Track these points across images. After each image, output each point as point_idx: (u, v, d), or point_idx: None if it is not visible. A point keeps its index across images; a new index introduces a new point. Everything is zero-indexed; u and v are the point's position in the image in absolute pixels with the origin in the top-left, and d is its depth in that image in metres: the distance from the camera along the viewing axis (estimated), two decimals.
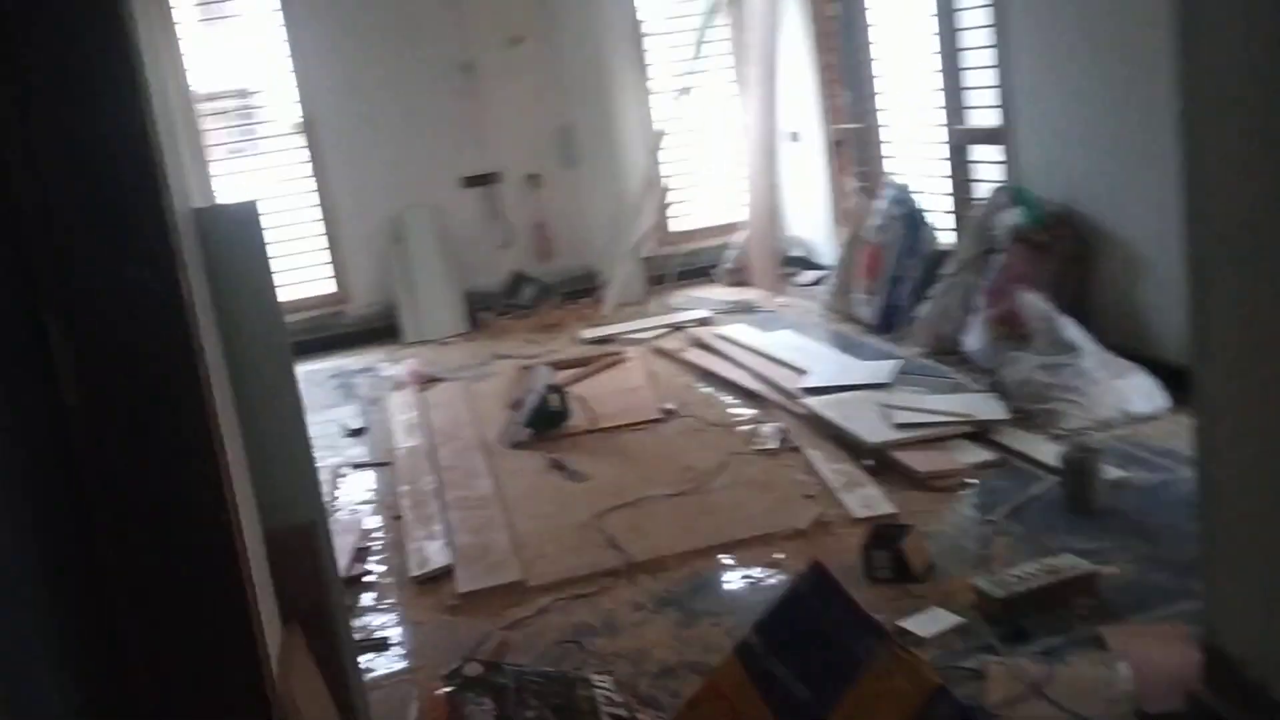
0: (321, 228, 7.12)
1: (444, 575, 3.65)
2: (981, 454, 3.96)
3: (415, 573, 3.68)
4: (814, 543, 3.52)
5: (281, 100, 7.04)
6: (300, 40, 6.86)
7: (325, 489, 4.53)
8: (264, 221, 1.85)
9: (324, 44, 6.87)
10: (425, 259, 7.09)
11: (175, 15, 6.62)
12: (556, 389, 4.91)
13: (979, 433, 4.09)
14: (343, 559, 3.80)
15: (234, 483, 1.78)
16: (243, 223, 1.82)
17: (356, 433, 5.37)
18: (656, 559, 3.55)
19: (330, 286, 7.21)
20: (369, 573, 3.79)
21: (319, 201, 7.08)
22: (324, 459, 5.03)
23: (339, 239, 7.13)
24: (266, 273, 1.86)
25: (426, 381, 5.95)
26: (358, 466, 4.90)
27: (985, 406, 4.27)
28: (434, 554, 3.79)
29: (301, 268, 7.14)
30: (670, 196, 7.40)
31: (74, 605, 1.46)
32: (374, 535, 4.10)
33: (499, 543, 3.80)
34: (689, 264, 7.45)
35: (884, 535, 3.32)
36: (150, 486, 1.44)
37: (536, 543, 3.80)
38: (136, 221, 1.38)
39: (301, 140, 7.01)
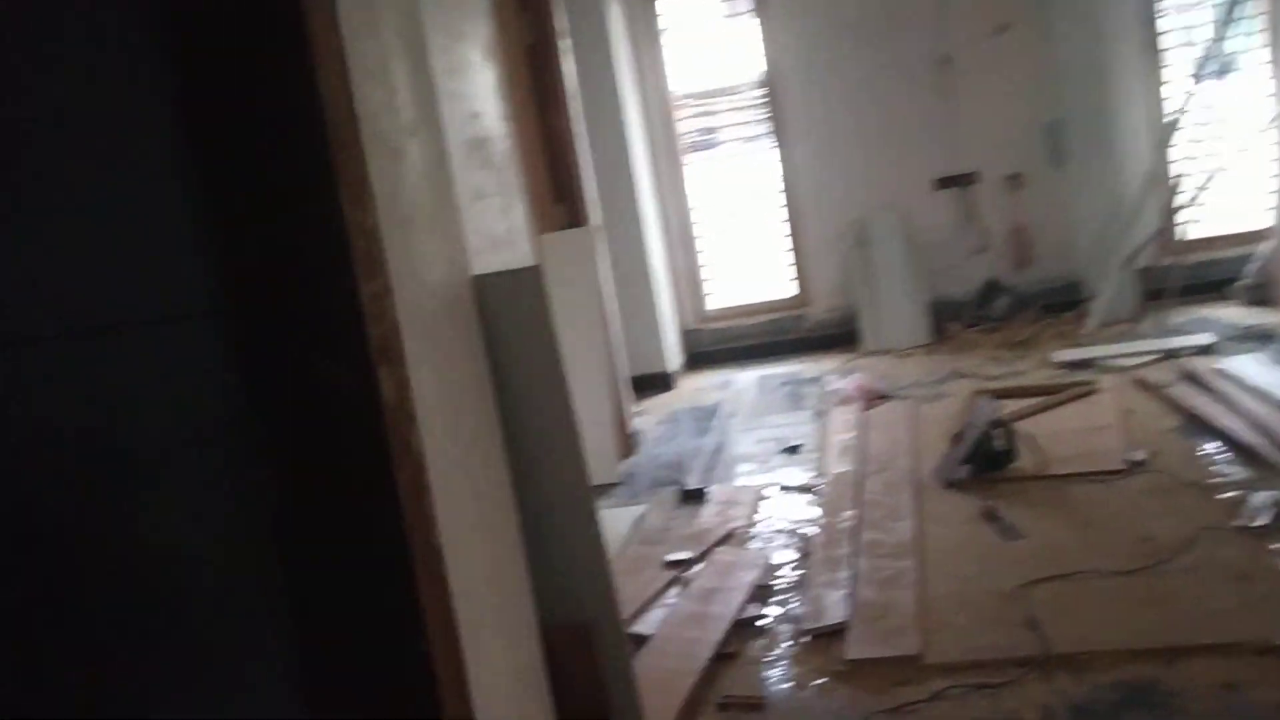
0: (786, 229, 7.01)
1: (839, 631, 3.35)
2: None
3: (808, 625, 3.41)
4: None
5: (753, 100, 7.01)
6: (774, 38, 6.78)
7: (745, 512, 4.40)
8: (546, 288, 1.67)
9: (798, 41, 6.74)
10: (890, 264, 6.74)
11: (661, 23, 6.84)
12: (1002, 425, 4.37)
13: None
14: (739, 597, 3.63)
15: (507, 576, 1.64)
16: (524, 290, 1.65)
17: (791, 450, 5.18)
18: (1082, 653, 2.99)
19: (792, 289, 7.08)
20: (764, 616, 3.57)
21: (785, 202, 6.97)
22: (753, 476, 4.92)
23: (803, 241, 6.99)
24: (551, 345, 1.68)
25: (873, 399, 5.62)
26: (784, 489, 4.70)
27: None
28: (832, 606, 3.49)
29: (765, 269, 7.10)
30: (1180, 198, 6.40)
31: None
32: (780, 572, 3.87)
33: (903, 603, 3.41)
34: (1197, 278, 6.40)
35: None
36: (342, 604, 1.31)
37: (946, 609, 3.37)
38: (326, 311, 1.24)
39: (771, 139, 6.94)
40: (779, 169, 6.93)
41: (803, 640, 3.36)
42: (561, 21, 5.44)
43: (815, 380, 6.32)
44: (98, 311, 1.37)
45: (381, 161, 1.39)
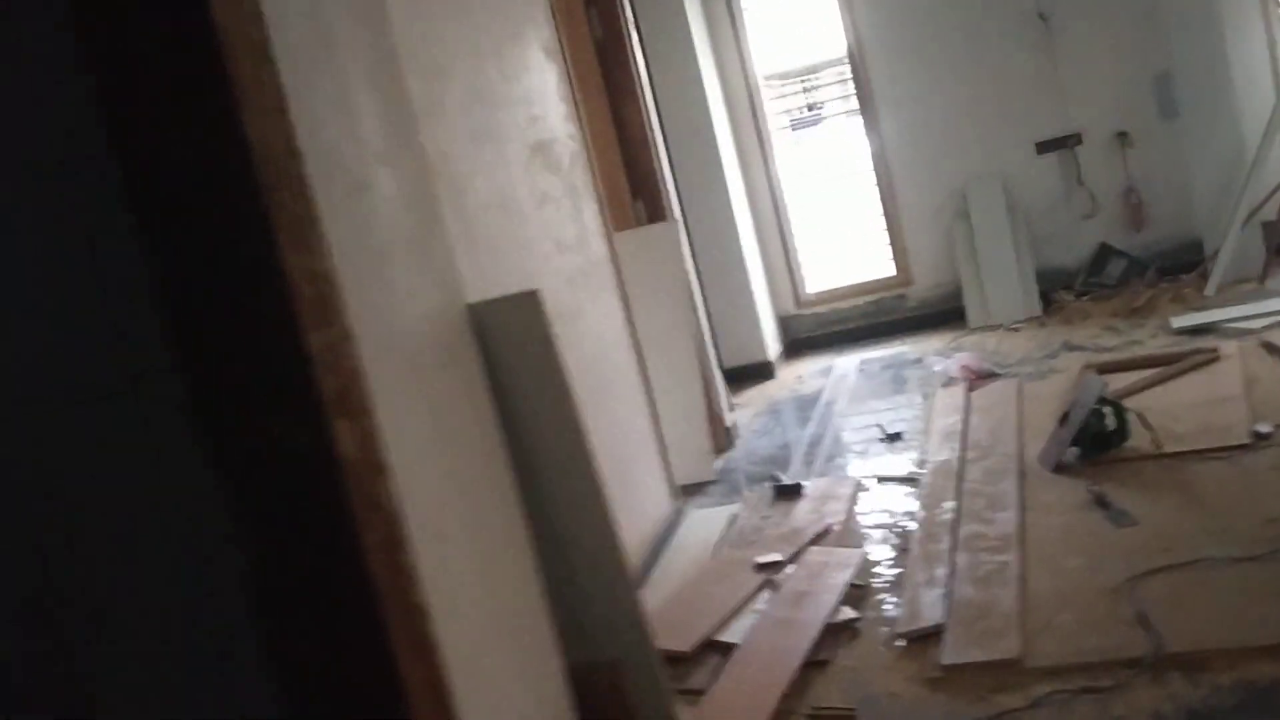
0: (880, 206, 6.78)
1: (936, 633, 3.18)
2: None
3: (903, 628, 3.25)
4: None
5: (837, 74, 6.80)
6: (857, 7, 6.55)
7: (842, 507, 4.24)
8: (547, 311, 1.57)
9: (882, 8, 6.49)
10: (993, 235, 6.45)
11: (740, 4, 6.67)
12: (1111, 402, 4.12)
13: None
14: (831, 599, 3.49)
15: (522, 618, 1.56)
16: (524, 316, 1.56)
17: (892, 438, 4.99)
18: (1198, 652, 2.77)
19: (890, 269, 6.85)
20: (859, 618, 3.42)
21: (879, 178, 6.74)
22: (852, 467, 4.75)
23: (898, 218, 6.75)
24: (557, 371, 1.59)
25: (979, 378, 5.38)
26: (883, 481, 4.52)
27: None
28: (928, 607, 3.32)
29: (861, 250, 6.89)
30: None
31: None
32: (877, 570, 3.71)
33: (1003, 602, 3.22)
34: None
35: None
36: (316, 666, 1.24)
37: (1050, 606, 3.17)
38: (269, 364, 1.17)
39: (857, 114, 6.72)
40: (871, 143, 6.70)
41: (897, 644, 3.20)
42: (630, 14, 5.34)
43: (918, 362, 6.10)
44: (52, 379, 1.34)
45: (342, 196, 1.31)
